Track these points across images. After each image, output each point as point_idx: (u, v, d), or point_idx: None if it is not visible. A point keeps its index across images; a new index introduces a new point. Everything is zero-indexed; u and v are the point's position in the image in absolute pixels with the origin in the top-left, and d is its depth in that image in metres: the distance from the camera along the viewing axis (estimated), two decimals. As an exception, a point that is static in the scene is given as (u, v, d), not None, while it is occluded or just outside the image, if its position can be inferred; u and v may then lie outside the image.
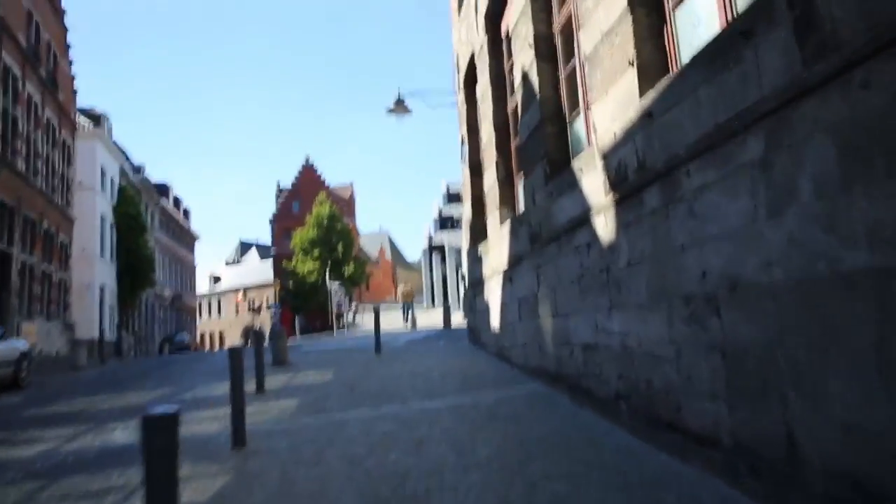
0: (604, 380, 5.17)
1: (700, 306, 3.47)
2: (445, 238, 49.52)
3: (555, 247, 6.52)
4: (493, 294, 9.90)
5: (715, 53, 3.29)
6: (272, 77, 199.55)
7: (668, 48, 4.40)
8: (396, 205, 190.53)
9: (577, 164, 5.89)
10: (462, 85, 12.71)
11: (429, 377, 8.51)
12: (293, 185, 58.69)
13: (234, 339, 65.40)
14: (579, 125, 6.51)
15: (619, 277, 4.73)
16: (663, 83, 3.95)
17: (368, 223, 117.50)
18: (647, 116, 4.14)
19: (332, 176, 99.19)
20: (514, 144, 9.45)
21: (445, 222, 57.18)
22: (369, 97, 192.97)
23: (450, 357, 10.73)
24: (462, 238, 26.08)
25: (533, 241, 7.46)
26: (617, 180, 4.74)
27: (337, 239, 47.04)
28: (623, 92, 4.61)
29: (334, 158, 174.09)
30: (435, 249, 48.85)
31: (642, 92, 4.29)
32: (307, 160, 59.03)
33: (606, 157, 4.96)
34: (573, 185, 5.95)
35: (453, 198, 62.95)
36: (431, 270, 48.82)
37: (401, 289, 36.30)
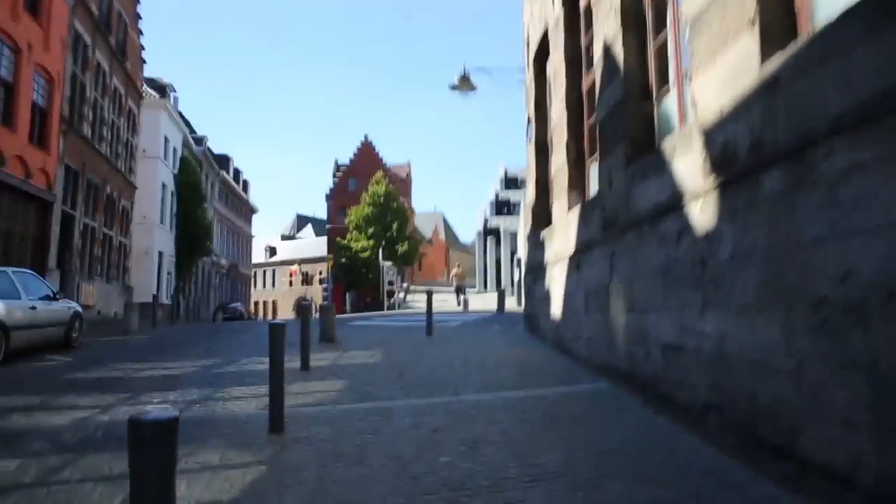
0: (689, 386, 4.57)
1: (837, 314, 2.84)
2: (501, 222, 48.88)
3: (634, 235, 5.89)
4: (556, 281, 9.32)
5: (882, 2, 2.63)
6: (335, 55, 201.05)
7: (796, 5, 3.71)
8: (452, 186, 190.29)
9: (667, 144, 5.24)
10: (532, 63, 12.03)
11: (483, 365, 8.03)
12: (351, 162, 58.89)
13: (286, 309, 66.55)
14: (669, 102, 5.84)
15: (717, 272, 4.10)
16: (799, 44, 3.29)
17: (423, 203, 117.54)
18: (771, 86, 3.48)
19: (390, 155, 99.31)
20: (587, 125, 8.78)
21: (501, 206, 56.47)
22: (431, 77, 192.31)
23: (505, 344, 10.22)
24: (521, 222, 25.40)
25: (606, 228, 6.84)
26: (721, 162, 4.09)
27: (392, 218, 46.97)
28: (736, 59, 3.95)
29: (393, 137, 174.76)
30: (490, 233, 48.30)
31: (765, 57, 3.62)
32: (366, 138, 59.14)
33: (708, 135, 4.30)
34: (660, 167, 5.31)
35: (510, 182, 62.15)
36: (486, 254, 48.31)
37: (454, 271, 35.90)
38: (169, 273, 33.38)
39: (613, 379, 6.48)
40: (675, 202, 4.89)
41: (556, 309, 9.24)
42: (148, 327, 17.82)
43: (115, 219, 22.63)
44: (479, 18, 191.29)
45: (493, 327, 13.24)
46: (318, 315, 12.24)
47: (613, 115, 6.73)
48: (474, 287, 50.04)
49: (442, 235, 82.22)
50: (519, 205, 56.72)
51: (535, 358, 8.65)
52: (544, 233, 10.53)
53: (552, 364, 8.06)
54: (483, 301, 31.94)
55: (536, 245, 11.13)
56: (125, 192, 24.01)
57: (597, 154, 8.21)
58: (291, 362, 8.67)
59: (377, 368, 8.04)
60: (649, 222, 5.48)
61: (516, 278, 25.66)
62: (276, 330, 5.05)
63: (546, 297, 10.00)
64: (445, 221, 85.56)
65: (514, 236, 39.44)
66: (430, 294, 11.98)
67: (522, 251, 25.25)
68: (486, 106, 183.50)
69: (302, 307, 9.53)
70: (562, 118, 9.26)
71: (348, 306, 31.71)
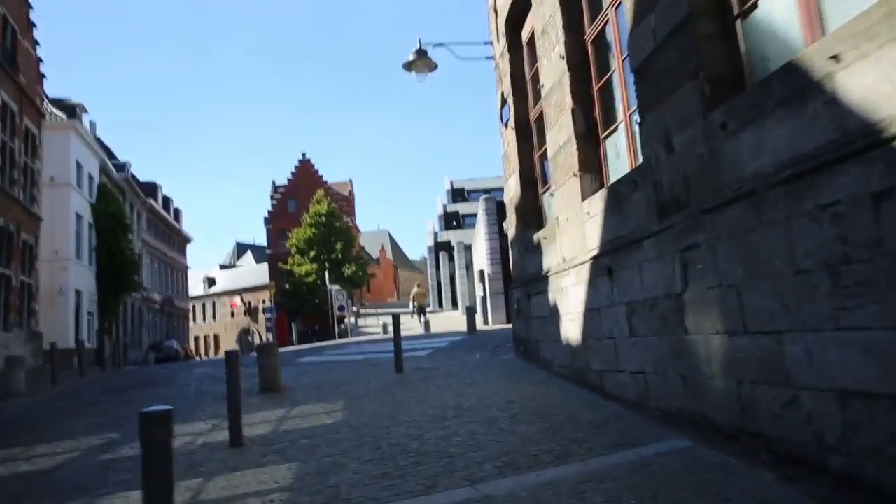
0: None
1: None
2: (452, 236, 46.80)
3: (740, 213, 3.76)
4: (567, 295, 7.14)
5: None
6: (265, 75, 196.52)
7: None
8: (396, 203, 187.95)
9: (810, 61, 3.14)
10: (503, 30, 9.92)
11: (490, 418, 5.74)
12: (289, 182, 55.89)
13: (229, 343, 62.56)
14: (782, 5, 3.76)
15: None
16: None
17: (368, 222, 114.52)
18: None
19: (330, 173, 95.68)
20: (596, 86, 6.70)
21: (451, 219, 54.55)
22: (368, 93, 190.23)
23: (502, 379, 7.95)
24: (479, 230, 23.27)
25: (666, 212, 4.71)
26: None
27: (336, 238, 44.30)
28: None
29: (332, 157, 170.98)
30: (441, 247, 46.16)
31: None
32: (304, 156, 56.26)
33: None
34: (790, 101, 3.22)
35: (458, 194, 60.42)
36: (438, 270, 46.11)
37: (413, 290, 33.57)
38: (90, 314, 29.82)
39: (700, 434, 4.31)
40: (841, 150, 2.79)
41: (571, 330, 7.05)
42: (64, 378, 14.80)
43: (12, 256, 19.34)
44: (413, 27, 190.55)
45: (473, 355, 10.95)
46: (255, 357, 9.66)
47: (668, 48, 4.61)
48: (429, 306, 47.70)
49: (389, 254, 79.61)
50: (468, 217, 54.85)
51: (552, 398, 6.41)
52: (540, 235, 8.36)
53: (582, 408, 5.83)
54: (446, 321, 29.60)
55: (528, 251, 8.95)
56: (25, 224, 20.71)
57: (622, 120, 6.13)
58: (216, 431, 6.20)
59: (341, 434, 5.63)
60: (782, 189, 3.35)
61: (479, 294, 23.47)
62: (154, 429, 2.66)
63: (550, 316, 7.80)
64: (392, 239, 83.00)
65: (468, 249, 37.31)
66: (396, 318, 9.61)
67: (484, 263, 23.11)
68: (428, 116, 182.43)
69: (243, 342, 7.08)
70: (561, 82, 7.13)
71: (295, 336, 28.83)
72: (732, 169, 3.86)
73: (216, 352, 69.72)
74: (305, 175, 54.73)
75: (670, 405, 4.81)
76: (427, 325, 21.33)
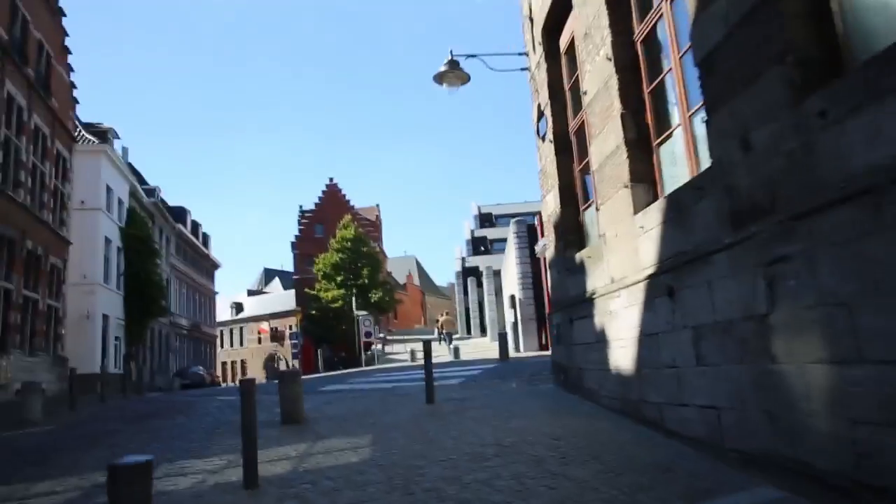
0: None
1: None
2: (480, 261, 46.17)
3: (847, 216, 3.12)
4: (616, 319, 6.46)
5: None
6: (296, 102, 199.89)
7: None
8: (423, 229, 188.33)
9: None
10: (539, 39, 9.41)
11: (535, 458, 5.06)
12: (316, 206, 55.94)
13: (256, 369, 62.41)
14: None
15: None
16: None
17: (394, 248, 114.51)
18: None
19: (357, 198, 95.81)
20: (647, 90, 6.12)
21: (478, 244, 53.97)
22: (394, 120, 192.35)
23: (542, 412, 7.26)
24: (509, 255, 22.61)
25: (742, 221, 4.08)
26: None
27: (363, 263, 43.93)
28: None
29: (359, 183, 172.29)
30: (469, 273, 45.52)
31: None
32: (331, 181, 56.34)
33: None
34: None
35: (485, 219, 59.89)
36: (466, 295, 45.41)
37: (441, 318, 33.02)
38: (117, 338, 29.74)
39: (795, 483, 3.61)
40: None
41: (622, 358, 6.35)
42: (85, 405, 14.45)
43: (40, 278, 19.23)
44: (441, 48, 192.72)
45: (508, 384, 10.25)
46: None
47: (743, 32, 4.01)
48: (456, 332, 46.93)
49: (416, 280, 79.15)
50: (496, 242, 54.24)
51: (603, 435, 5.71)
52: (584, 254, 7.72)
53: (640, 447, 5.13)
54: (475, 348, 28.86)
55: (569, 272, 8.30)
56: (54, 247, 20.67)
57: (679, 123, 5.52)
58: (231, 469, 5.62)
59: (368, 475, 5.00)
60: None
61: (509, 319, 22.74)
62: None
63: (596, 343, 7.12)
64: (419, 265, 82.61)
65: (496, 274, 36.60)
66: (427, 345, 8.98)
67: (515, 287, 22.42)
68: (454, 142, 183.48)
69: (269, 368, 6.53)
70: (607, 86, 6.55)
71: (320, 363, 28.30)
72: (835, 165, 3.21)
73: (244, 377, 69.73)
74: (332, 200, 54.78)
75: (751, 446, 4.10)
76: (456, 351, 20.65)
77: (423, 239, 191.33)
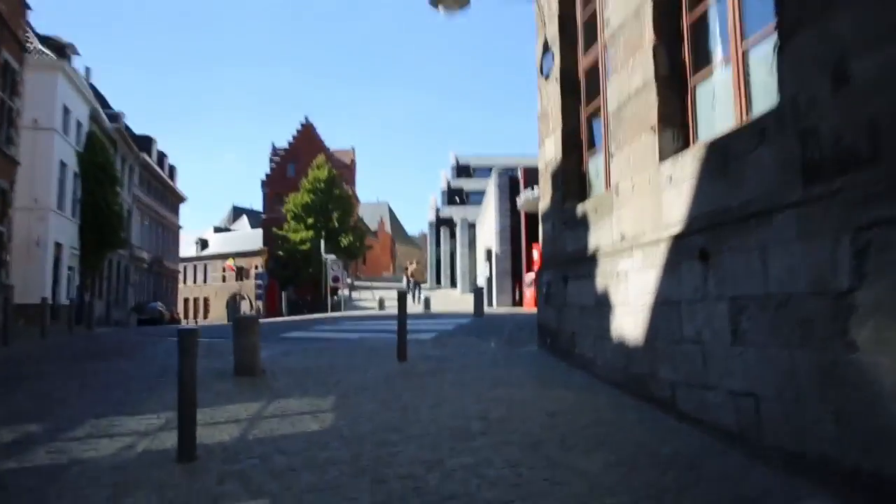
0: None
1: None
2: (455, 212, 45.29)
3: None
4: (625, 281, 5.65)
5: None
6: (271, 35, 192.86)
7: None
8: (398, 177, 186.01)
9: None
10: (548, -40, 8.31)
11: (531, 440, 4.28)
12: (290, 145, 54.04)
13: (219, 307, 61.19)
14: None
15: None
16: None
17: (367, 194, 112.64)
18: None
19: (333, 141, 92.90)
20: (687, 18, 5.16)
21: (454, 195, 52.97)
22: (375, 61, 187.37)
23: (530, 379, 6.50)
24: (489, 206, 21.73)
25: (820, 173, 3.25)
26: None
27: (334, 206, 42.67)
28: None
29: (335, 125, 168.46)
30: (442, 223, 44.65)
31: None
32: (306, 119, 54.36)
33: None
34: None
35: (462, 170, 58.68)
36: (438, 246, 44.64)
37: (410, 267, 32.20)
38: (70, 268, 28.31)
39: (869, 498, 2.87)
40: None
41: (629, 326, 5.57)
42: (22, 338, 13.35)
43: (-18, 199, 17.76)
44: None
45: (486, 343, 9.48)
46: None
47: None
48: (425, 283, 46.31)
49: (388, 227, 78.04)
50: (473, 194, 53.26)
51: (606, 414, 4.96)
52: (588, 206, 6.85)
53: (652, 432, 4.38)
54: (445, 299, 28.19)
55: (567, 226, 7.45)
56: (1, 167, 19.10)
57: (721, 61, 4.62)
58: (166, 433, 4.71)
59: (331, 451, 4.16)
60: None
61: (484, 273, 22.03)
62: None
63: (596, 306, 6.32)
64: (391, 212, 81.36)
65: (471, 226, 35.84)
66: (402, 296, 8.11)
67: (493, 241, 21.64)
68: (434, 90, 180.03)
69: (230, 308, 5.59)
70: (637, 14, 5.58)
71: (285, 306, 27.36)
72: None
73: (205, 315, 68.46)
74: (307, 139, 52.88)
75: (805, 448, 3.35)
76: (427, 303, 19.90)
77: (397, 186, 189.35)
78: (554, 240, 7.96)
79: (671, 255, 4.84)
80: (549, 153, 8.26)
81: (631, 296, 5.53)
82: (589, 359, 6.55)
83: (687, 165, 4.67)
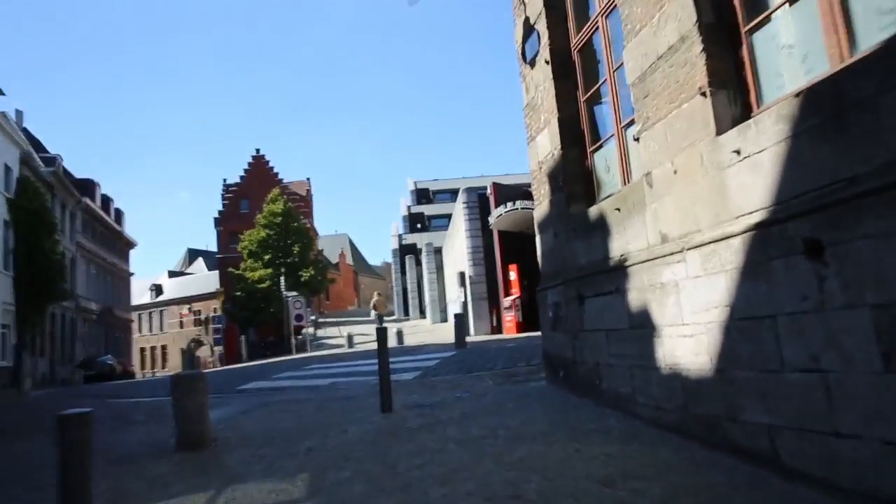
0: None
1: None
2: (418, 238, 43.95)
3: None
4: (675, 294, 4.38)
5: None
6: (220, 74, 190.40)
7: None
8: (355, 208, 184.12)
9: None
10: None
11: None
12: (242, 179, 52.06)
13: (177, 354, 58.26)
14: None
15: None
16: None
17: (325, 226, 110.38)
18: None
19: (287, 173, 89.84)
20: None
21: (415, 221, 51.70)
22: (322, 97, 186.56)
23: (554, 428, 5.12)
24: (460, 226, 20.46)
25: None
26: None
27: (292, 240, 40.86)
28: None
29: (289, 160, 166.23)
30: (406, 251, 43.24)
31: None
32: (258, 152, 52.47)
33: None
34: None
35: (422, 195, 57.53)
36: (404, 274, 43.15)
37: (374, 299, 30.71)
38: (5, 326, 25.93)
39: None
40: None
41: (688, 353, 4.27)
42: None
43: None
44: (374, 29, 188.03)
45: (481, 380, 8.08)
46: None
47: None
48: (392, 314, 44.65)
49: (349, 259, 76.11)
50: (435, 219, 52.06)
51: (686, 478, 3.63)
52: (604, 207, 5.60)
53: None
54: (415, 330, 26.66)
55: (575, 233, 6.18)
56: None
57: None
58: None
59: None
60: None
61: (458, 299, 20.68)
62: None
63: (631, 329, 5.03)
64: (352, 243, 79.51)
65: (437, 251, 34.48)
66: (381, 334, 6.68)
67: (465, 264, 20.34)
68: (386, 120, 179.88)
69: (186, 356, 4.13)
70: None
71: (244, 351, 25.40)
72: None
73: (163, 365, 65.29)
74: (259, 173, 51.01)
75: None
76: (400, 336, 18.41)
77: (355, 217, 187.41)
78: (558, 252, 6.68)
79: (752, 254, 3.59)
80: (542, 150, 7.02)
81: (686, 312, 4.26)
82: (624, 395, 5.24)
83: (767, 130, 3.46)
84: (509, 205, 17.79)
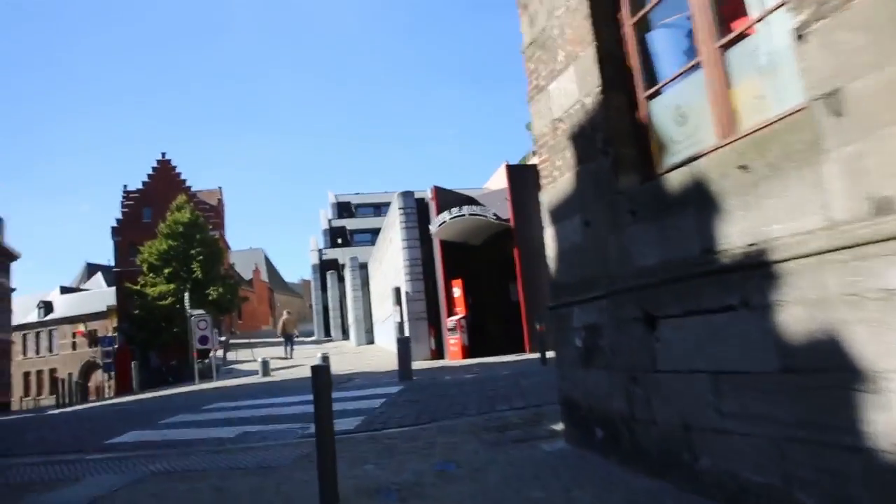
0: None
1: None
2: (340, 254, 41.12)
3: None
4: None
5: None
6: (124, 77, 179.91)
7: None
8: (270, 223, 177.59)
9: None
10: None
11: None
12: (145, 185, 47.45)
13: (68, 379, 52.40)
14: None
15: None
16: None
17: (239, 242, 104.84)
18: None
19: (197, 182, 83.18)
20: None
21: (336, 235, 48.77)
22: (237, 106, 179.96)
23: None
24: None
25: None
26: None
27: (199, 252, 37.05)
28: None
29: (200, 170, 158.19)
30: (327, 266, 40.31)
31: None
32: (163, 156, 48.06)
33: None
34: None
35: (343, 209, 54.69)
36: (325, 291, 40.11)
37: (283, 317, 27.95)
38: None
39: None
40: None
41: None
42: None
43: None
44: (282, 38, 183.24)
45: (465, 440, 5.66)
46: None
47: None
48: (313, 334, 41.44)
49: (264, 275, 71.73)
50: (358, 233, 49.29)
51: None
52: (702, 168, 3.40)
53: None
54: (338, 352, 23.85)
55: (633, 219, 3.96)
56: None
57: None
58: None
59: None
60: None
61: (391, 318, 18.22)
62: None
63: (793, 377, 2.84)
64: (267, 259, 75.11)
65: (363, 266, 31.86)
66: (320, 375, 4.23)
67: (401, 278, 17.93)
68: (303, 132, 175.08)
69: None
70: None
71: (134, 380, 21.70)
72: None
73: (51, 390, 58.85)
74: (165, 179, 46.57)
75: None
76: (325, 362, 15.72)
77: (271, 232, 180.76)
78: (593, 248, 4.45)
79: None
80: (562, 101, 4.80)
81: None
82: (757, 487, 3.03)
83: None
84: (454, 210, 15.61)
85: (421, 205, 17.84)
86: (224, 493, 4.45)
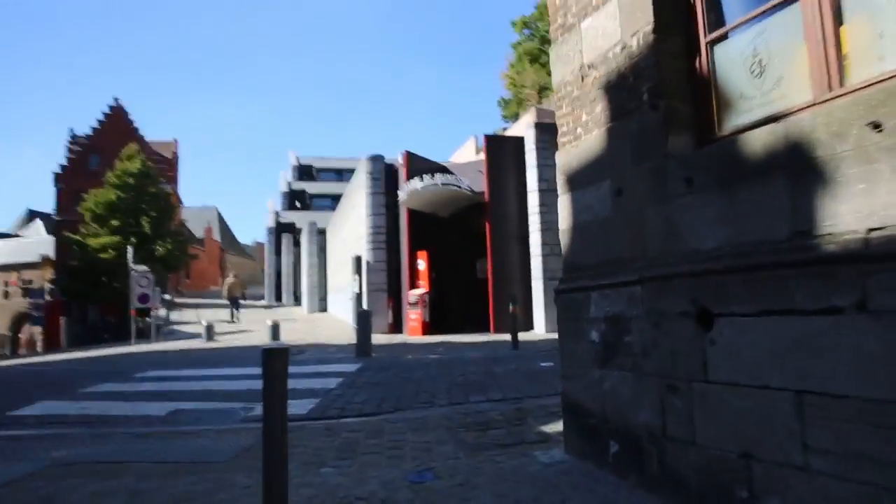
0: None
1: None
2: (298, 217, 39.71)
3: None
4: None
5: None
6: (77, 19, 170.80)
7: None
8: (227, 180, 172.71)
9: None
10: None
11: None
12: (94, 131, 44.78)
13: (2, 327, 49.74)
14: None
15: None
16: None
17: (193, 198, 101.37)
18: None
19: (151, 132, 78.38)
20: None
21: (295, 198, 47.22)
22: (202, 56, 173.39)
23: None
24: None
25: None
26: None
27: (148, 206, 35.17)
28: None
29: (154, 120, 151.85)
30: (284, 230, 38.88)
31: None
32: (116, 101, 45.37)
33: None
34: None
35: (304, 172, 52.98)
36: (279, 255, 38.71)
37: (228, 279, 26.80)
38: None
39: None
40: None
41: None
42: None
43: None
44: None
45: (439, 438, 4.82)
46: None
47: None
48: (263, 298, 40.03)
49: (217, 234, 69.36)
50: (318, 198, 47.78)
51: None
52: (803, 125, 2.59)
53: None
54: (292, 321, 22.73)
55: (688, 188, 3.15)
56: None
57: None
58: None
59: None
60: None
61: (349, 288, 17.26)
62: None
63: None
64: (221, 218, 72.60)
65: (321, 233, 30.63)
66: (274, 360, 3.36)
67: (363, 247, 16.95)
68: (264, 91, 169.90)
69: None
70: None
71: (63, 338, 20.13)
72: None
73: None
74: (116, 126, 43.91)
75: None
76: (276, 331, 14.69)
77: (228, 193, 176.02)
78: (622, 222, 3.63)
79: None
80: (596, 42, 3.93)
81: None
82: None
83: None
84: (426, 178, 14.66)
85: (389, 171, 16.82)
86: (140, 499, 3.52)
